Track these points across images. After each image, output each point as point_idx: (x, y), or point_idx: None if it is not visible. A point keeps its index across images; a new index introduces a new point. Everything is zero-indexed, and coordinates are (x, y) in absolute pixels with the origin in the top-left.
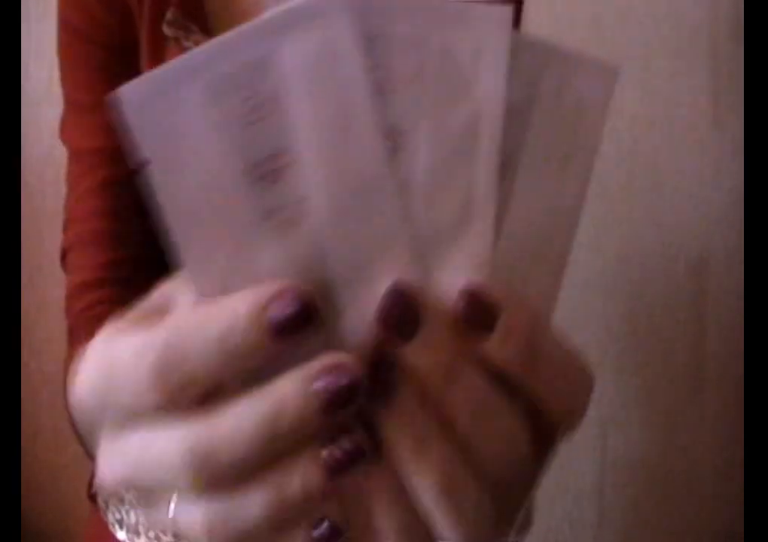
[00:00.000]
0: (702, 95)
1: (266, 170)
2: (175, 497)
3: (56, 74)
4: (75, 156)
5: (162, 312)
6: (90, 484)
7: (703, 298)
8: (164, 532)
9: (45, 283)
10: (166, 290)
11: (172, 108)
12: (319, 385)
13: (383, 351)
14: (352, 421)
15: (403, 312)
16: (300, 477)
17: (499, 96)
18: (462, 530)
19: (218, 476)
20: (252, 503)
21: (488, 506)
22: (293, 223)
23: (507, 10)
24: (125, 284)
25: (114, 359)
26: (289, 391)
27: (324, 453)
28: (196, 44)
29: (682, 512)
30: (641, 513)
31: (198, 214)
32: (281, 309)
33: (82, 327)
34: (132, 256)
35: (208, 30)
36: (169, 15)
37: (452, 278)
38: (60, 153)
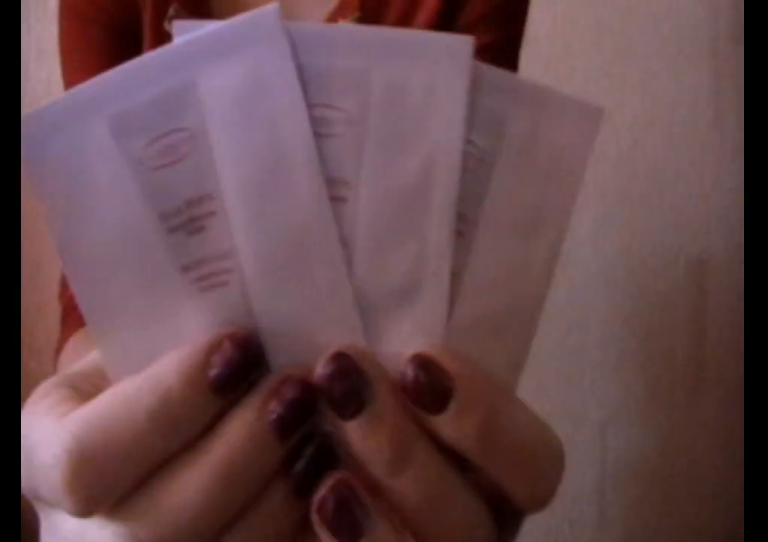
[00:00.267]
0: (702, 95)
1: (184, 219)
2: None
3: (56, 74)
4: None
5: (83, 391)
6: None
7: (703, 298)
8: None
9: (45, 283)
10: (94, 361)
11: (73, 144)
12: (270, 406)
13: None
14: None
15: (346, 386)
16: (274, 516)
17: (456, 141)
18: None
19: None
20: None
21: None
22: (216, 281)
23: (467, 40)
24: None
25: (29, 451)
26: (237, 429)
27: (292, 480)
28: None
29: (682, 512)
30: (641, 513)
31: (104, 269)
32: (223, 361)
33: (74, 309)
34: None
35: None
36: (171, 11)
37: (400, 347)
38: None
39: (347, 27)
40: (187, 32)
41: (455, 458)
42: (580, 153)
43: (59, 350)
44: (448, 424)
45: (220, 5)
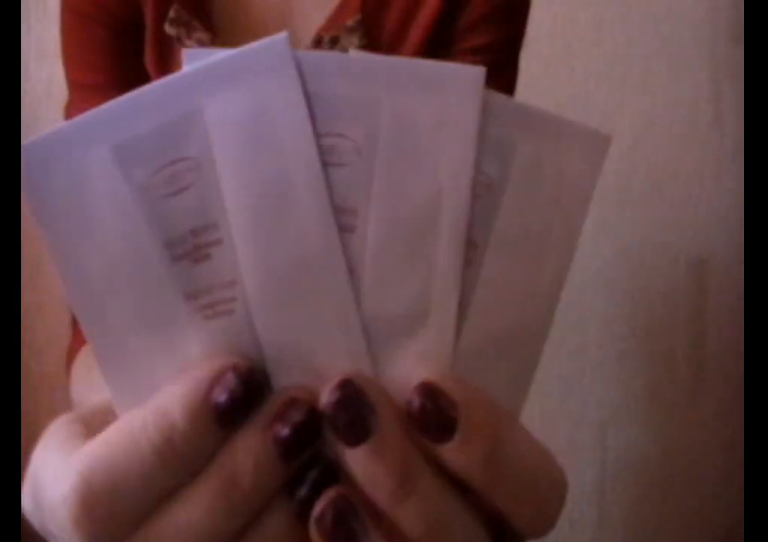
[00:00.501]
0: (702, 95)
1: (189, 248)
2: None
3: (56, 74)
4: None
5: (95, 428)
6: None
7: (703, 298)
8: None
9: (45, 283)
10: (106, 399)
11: (75, 172)
12: (275, 429)
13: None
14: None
15: (351, 413)
16: (276, 539)
17: (466, 172)
18: None
19: None
20: None
21: None
22: (221, 309)
23: (480, 71)
24: None
25: (39, 489)
26: (241, 452)
27: (296, 502)
28: (199, 42)
29: (682, 512)
30: (641, 513)
31: (108, 298)
32: (226, 392)
33: None
34: None
35: (213, 27)
36: (172, 13)
37: (406, 375)
38: None
39: (359, 56)
40: (197, 60)
41: (456, 482)
42: (587, 180)
43: (70, 358)
44: (453, 453)
45: (220, 7)
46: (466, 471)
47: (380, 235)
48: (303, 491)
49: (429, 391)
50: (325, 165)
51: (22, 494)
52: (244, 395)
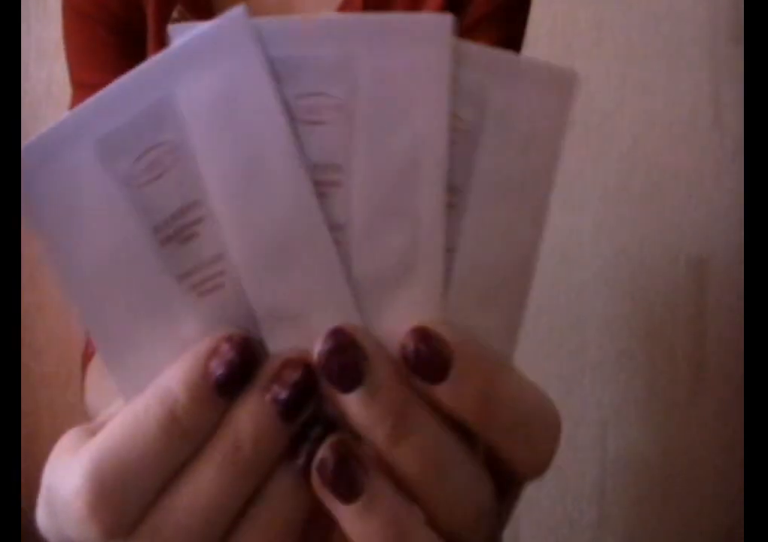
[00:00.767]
0: (702, 95)
1: (175, 229)
2: None
3: (56, 74)
4: None
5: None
6: None
7: (703, 298)
8: None
9: (45, 283)
10: (117, 406)
11: (62, 172)
12: (273, 391)
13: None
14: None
15: (344, 359)
16: (284, 500)
17: (441, 119)
18: None
19: None
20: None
21: None
22: (212, 284)
23: (447, 19)
24: None
25: (51, 494)
26: (243, 417)
27: (300, 462)
28: None
29: (682, 512)
30: (641, 513)
31: (104, 289)
32: (223, 364)
33: None
34: None
35: None
36: (174, 13)
37: (398, 323)
38: None
39: (328, 16)
40: (182, 34)
41: (455, 427)
42: (558, 117)
43: (85, 362)
44: (447, 393)
45: (222, 7)
46: (461, 411)
47: (364, 188)
48: (305, 448)
49: (422, 335)
50: (306, 124)
51: (37, 510)
52: (241, 364)
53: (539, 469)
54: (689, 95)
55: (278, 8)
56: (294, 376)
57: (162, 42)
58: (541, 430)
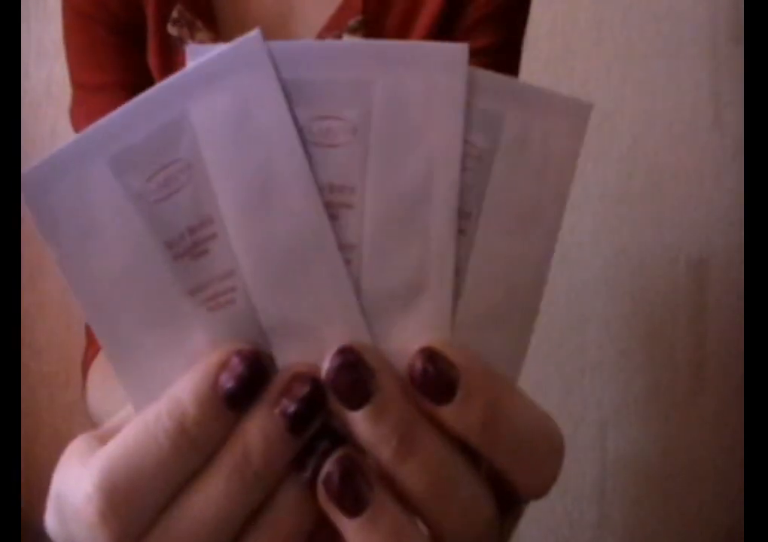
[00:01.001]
0: (702, 95)
1: (187, 245)
2: None
3: (55, 74)
4: None
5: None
6: None
7: (703, 298)
8: None
9: (45, 283)
10: (127, 412)
11: (76, 189)
12: (282, 405)
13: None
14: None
15: (353, 377)
16: (291, 512)
17: (455, 145)
18: None
19: None
20: None
21: None
22: (223, 299)
23: (463, 48)
24: None
25: (61, 501)
26: (252, 430)
27: (306, 475)
28: (201, 43)
29: (682, 512)
30: (641, 513)
31: (117, 303)
32: (232, 377)
33: None
34: None
35: (215, 26)
36: (174, 13)
37: (406, 345)
38: None
39: (346, 42)
40: (199, 55)
41: (459, 447)
42: (571, 148)
43: (85, 365)
44: (453, 414)
45: (222, 7)
46: (466, 432)
47: (377, 210)
48: (312, 461)
49: (430, 355)
50: (321, 146)
51: (46, 516)
52: (250, 378)
53: (541, 490)
54: (689, 95)
55: (276, 8)
56: (302, 390)
57: (162, 43)
58: (545, 453)
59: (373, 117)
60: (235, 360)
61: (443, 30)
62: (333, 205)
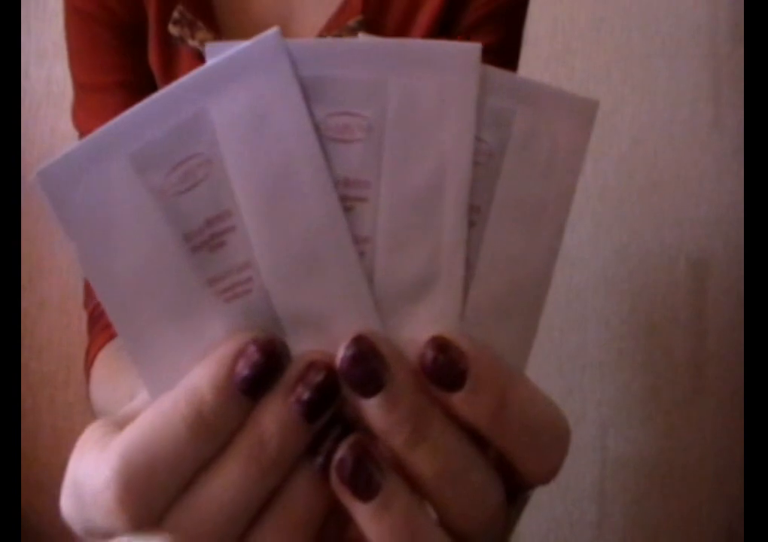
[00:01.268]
0: (702, 95)
1: (206, 237)
2: None
3: (55, 74)
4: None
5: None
6: None
7: (703, 298)
8: None
9: (45, 283)
10: (142, 399)
11: (97, 185)
12: (297, 392)
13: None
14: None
15: (366, 366)
16: (304, 498)
17: (467, 145)
18: None
19: None
20: (266, 541)
21: None
22: (240, 290)
23: (475, 48)
24: None
25: (79, 486)
26: (267, 417)
27: (319, 460)
28: (202, 43)
29: (682, 511)
30: (641, 513)
31: (136, 295)
32: (249, 365)
33: (100, 318)
34: None
35: (216, 26)
36: (175, 13)
37: (418, 333)
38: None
39: (362, 40)
40: (217, 53)
41: (469, 434)
42: (579, 144)
43: (89, 362)
44: (463, 402)
45: (223, 7)
46: (475, 420)
47: (390, 204)
48: (325, 447)
49: (440, 344)
50: (337, 141)
51: (61, 501)
52: (266, 366)
53: (547, 476)
54: (689, 95)
55: (276, 8)
56: (317, 378)
57: (163, 43)
58: (551, 440)
59: (387, 114)
60: (251, 349)
61: (442, 30)
62: (348, 199)
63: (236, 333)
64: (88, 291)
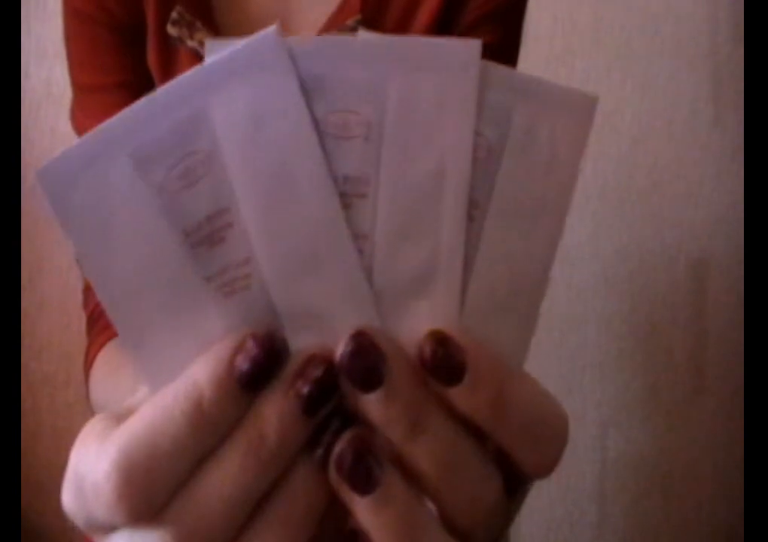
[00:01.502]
0: (702, 95)
1: (204, 234)
2: None
3: (55, 74)
4: None
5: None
6: None
7: (703, 298)
8: None
9: (45, 283)
10: (143, 393)
11: (96, 183)
12: (297, 387)
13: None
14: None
15: (366, 361)
16: (304, 492)
17: (467, 141)
18: None
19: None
20: (266, 534)
21: None
22: (238, 285)
23: (475, 46)
24: None
25: (80, 479)
26: (267, 411)
27: (318, 453)
28: (200, 43)
29: (682, 512)
30: (641, 513)
31: (136, 292)
32: (248, 360)
33: (100, 318)
34: None
35: (215, 26)
36: (174, 14)
37: (417, 331)
38: None
39: (362, 38)
40: (217, 51)
41: (468, 428)
42: (578, 139)
43: (88, 362)
44: (462, 396)
45: (221, 7)
46: (474, 414)
47: (389, 202)
48: (325, 440)
49: (439, 339)
50: (336, 138)
51: (63, 495)
52: (265, 360)
53: (546, 470)
54: (689, 95)
55: (275, 8)
56: (316, 372)
57: (162, 43)
58: (550, 434)
59: (387, 111)
60: (250, 343)
61: (441, 29)
62: (348, 196)
63: (235, 328)
64: (87, 292)
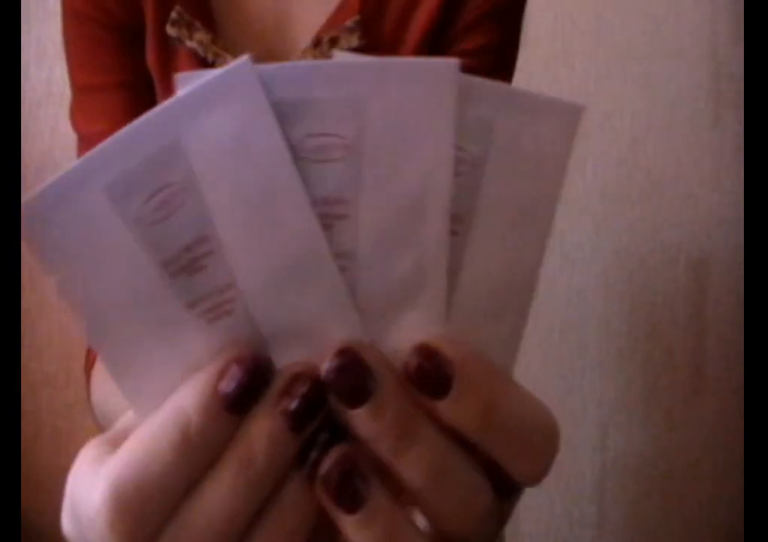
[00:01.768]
0: (702, 95)
1: (184, 263)
2: None
3: (55, 74)
4: (83, 141)
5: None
6: None
7: (703, 298)
8: None
9: (45, 283)
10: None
11: (73, 218)
12: (283, 404)
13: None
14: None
15: (352, 376)
16: (294, 507)
17: (447, 159)
18: None
19: None
20: None
21: None
22: (221, 310)
23: (453, 64)
24: None
25: (75, 507)
26: (255, 430)
27: (306, 469)
28: (200, 43)
29: (682, 512)
30: (641, 513)
31: (118, 323)
32: (232, 383)
33: None
34: None
35: (214, 26)
36: (173, 14)
37: (402, 345)
38: (60, 153)
39: (337, 60)
40: (188, 83)
41: (456, 438)
42: (562, 150)
43: (89, 363)
44: (450, 408)
45: (220, 8)
46: (462, 424)
47: (372, 219)
48: (313, 454)
49: (425, 351)
50: (314, 162)
51: (62, 519)
52: (250, 382)
53: (537, 478)
54: (689, 95)
55: (274, 9)
56: (302, 389)
57: (161, 43)
58: (540, 442)
59: (366, 133)
60: (234, 367)
61: (439, 30)
62: (328, 217)
63: (219, 352)
64: None
